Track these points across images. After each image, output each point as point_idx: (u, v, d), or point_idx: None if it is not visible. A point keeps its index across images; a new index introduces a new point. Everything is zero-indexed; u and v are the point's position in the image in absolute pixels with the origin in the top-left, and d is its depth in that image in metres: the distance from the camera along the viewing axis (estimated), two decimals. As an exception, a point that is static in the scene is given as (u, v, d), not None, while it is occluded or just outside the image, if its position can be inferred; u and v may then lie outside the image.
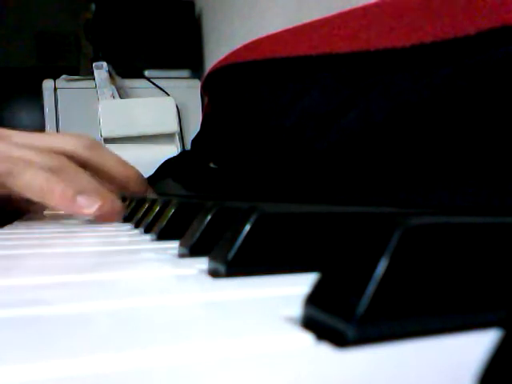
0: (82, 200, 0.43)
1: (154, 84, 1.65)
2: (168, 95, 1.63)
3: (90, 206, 0.43)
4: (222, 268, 0.19)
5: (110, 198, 0.48)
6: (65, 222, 0.51)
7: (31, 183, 0.43)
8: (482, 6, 0.32)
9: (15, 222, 0.48)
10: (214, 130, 0.82)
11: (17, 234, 0.39)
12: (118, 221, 0.50)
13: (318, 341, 0.11)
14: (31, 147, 0.47)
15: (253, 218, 0.19)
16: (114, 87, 1.57)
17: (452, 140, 0.32)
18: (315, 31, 0.51)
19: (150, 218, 0.38)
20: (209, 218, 0.25)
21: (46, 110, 1.56)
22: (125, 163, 0.54)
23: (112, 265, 0.24)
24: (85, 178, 0.47)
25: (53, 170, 0.45)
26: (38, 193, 0.43)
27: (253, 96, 0.66)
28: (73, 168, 0.47)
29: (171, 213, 0.33)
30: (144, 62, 1.67)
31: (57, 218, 0.57)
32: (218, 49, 1.55)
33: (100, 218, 0.48)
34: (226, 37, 1.45)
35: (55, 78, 1.58)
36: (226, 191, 0.62)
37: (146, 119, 1.51)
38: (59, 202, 0.43)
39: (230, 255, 0.19)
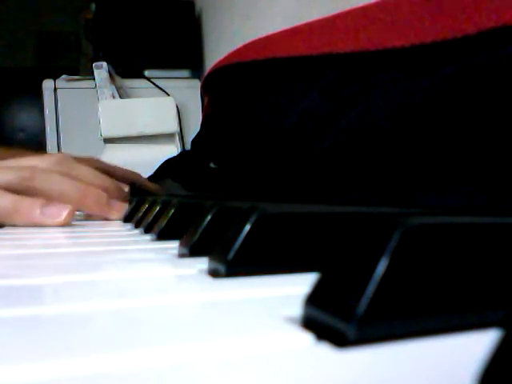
0: (49, 211, 0.43)
1: (154, 84, 1.65)
2: (168, 95, 1.63)
3: (59, 214, 0.43)
4: (221, 268, 0.19)
5: (93, 190, 0.48)
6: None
7: None
8: (482, 6, 0.32)
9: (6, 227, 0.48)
10: (213, 130, 0.82)
11: (15, 235, 0.39)
12: (116, 218, 0.50)
13: (318, 341, 0.11)
14: None
15: (253, 218, 0.19)
16: (114, 87, 1.57)
17: (452, 140, 0.32)
18: (315, 31, 0.51)
19: (150, 218, 0.38)
20: (209, 218, 0.25)
21: (46, 110, 1.56)
22: (98, 174, 0.54)
23: (112, 265, 0.24)
24: (58, 179, 0.47)
25: (21, 183, 0.45)
26: (4, 215, 0.43)
27: (253, 96, 0.66)
28: (44, 173, 0.47)
29: (171, 213, 0.33)
30: (144, 61, 1.67)
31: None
32: (217, 49, 1.55)
33: (90, 214, 0.48)
34: (226, 37, 1.45)
35: (55, 78, 1.58)
36: (226, 191, 0.62)
37: (146, 119, 1.51)
38: (27, 219, 0.43)
39: (230, 255, 0.19)
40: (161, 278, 0.20)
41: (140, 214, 0.43)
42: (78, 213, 0.63)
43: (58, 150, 1.50)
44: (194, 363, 0.10)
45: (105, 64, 1.56)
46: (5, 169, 0.47)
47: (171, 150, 1.44)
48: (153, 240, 0.32)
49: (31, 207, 0.43)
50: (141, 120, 1.51)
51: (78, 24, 2.18)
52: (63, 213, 0.43)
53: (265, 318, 0.13)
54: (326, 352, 0.11)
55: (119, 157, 1.42)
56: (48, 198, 0.45)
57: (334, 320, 0.11)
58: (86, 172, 0.53)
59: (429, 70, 0.35)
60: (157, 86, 1.65)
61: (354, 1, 0.57)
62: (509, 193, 0.27)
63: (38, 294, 0.17)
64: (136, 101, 1.57)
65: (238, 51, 0.69)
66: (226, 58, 0.73)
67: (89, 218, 0.53)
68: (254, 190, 0.54)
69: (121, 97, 1.59)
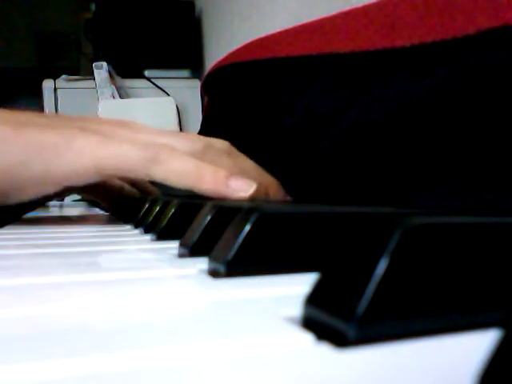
0: (236, 183, 0.40)
1: (154, 84, 1.65)
2: (168, 95, 1.63)
3: (246, 189, 0.40)
4: (221, 268, 0.19)
5: (266, 175, 0.46)
6: (64, 221, 0.51)
7: (179, 170, 0.41)
8: (482, 6, 0.32)
9: (8, 226, 0.47)
10: (213, 130, 0.82)
11: (13, 235, 0.39)
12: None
13: (318, 341, 0.11)
14: (170, 134, 0.45)
15: (253, 218, 0.19)
16: (113, 87, 1.57)
17: (452, 140, 0.32)
18: (315, 31, 0.51)
19: (150, 218, 0.38)
20: (209, 218, 0.25)
21: (46, 110, 1.56)
22: (261, 171, 0.50)
23: (111, 264, 0.24)
24: (226, 162, 0.45)
25: (198, 156, 0.43)
26: (187, 179, 0.41)
27: (253, 96, 0.66)
28: (218, 152, 0.45)
29: (171, 213, 0.33)
30: (144, 61, 1.67)
31: (56, 217, 0.57)
32: (218, 49, 1.55)
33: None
34: (226, 37, 1.45)
35: (55, 78, 1.59)
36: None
37: (146, 119, 1.51)
38: (210, 186, 0.40)
39: (230, 255, 0.19)
40: (160, 277, 0.20)
41: (140, 214, 0.43)
42: (80, 210, 0.63)
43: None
44: (194, 364, 0.10)
45: (105, 64, 1.56)
46: (183, 137, 0.45)
47: (171, 150, 1.44)
48: (153, 240, 0.32)
49: (215, 175, 0.41)
50: (141, 120, 1.51)
51: (78, 24, 2.18)
52: (250, 188, 0.40)
53: (265, 318, 0.13)
54: (326, 352, 0.11)
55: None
56: None
57: (334, 320, 0.11)
58: (252, 168, 0.49)
59: (429, 70, 0.35)
60: (157, 86, 1.65)
61: (354, 1, 0.57)
62: (508, 193, 0.27)
63: (35, 294, 0.17)
64: (136, 101, 1.57)
65: (238, 51, 0.69)
66: (226, 58, 0.73)
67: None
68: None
69: (121, 97, 1.59)
